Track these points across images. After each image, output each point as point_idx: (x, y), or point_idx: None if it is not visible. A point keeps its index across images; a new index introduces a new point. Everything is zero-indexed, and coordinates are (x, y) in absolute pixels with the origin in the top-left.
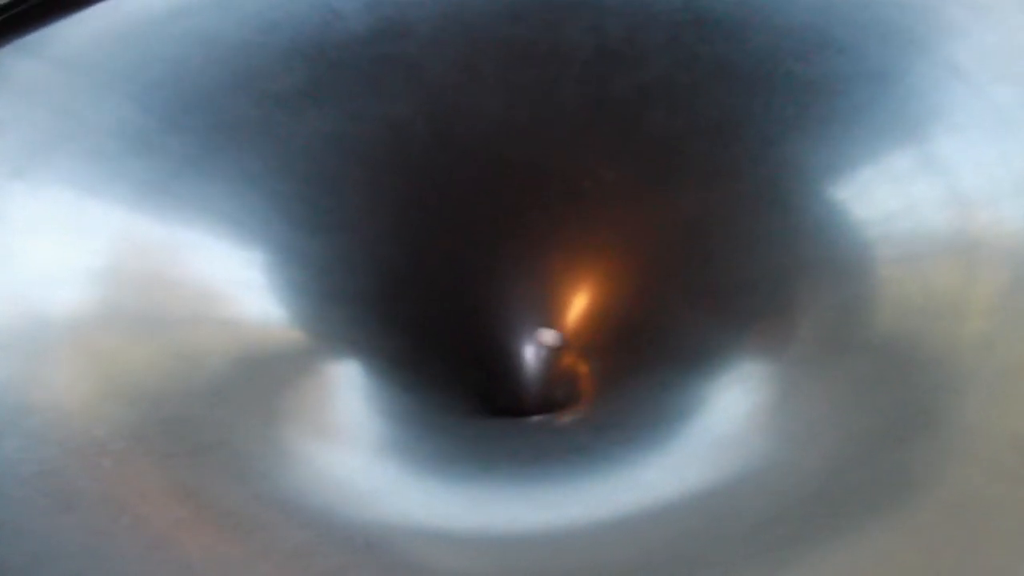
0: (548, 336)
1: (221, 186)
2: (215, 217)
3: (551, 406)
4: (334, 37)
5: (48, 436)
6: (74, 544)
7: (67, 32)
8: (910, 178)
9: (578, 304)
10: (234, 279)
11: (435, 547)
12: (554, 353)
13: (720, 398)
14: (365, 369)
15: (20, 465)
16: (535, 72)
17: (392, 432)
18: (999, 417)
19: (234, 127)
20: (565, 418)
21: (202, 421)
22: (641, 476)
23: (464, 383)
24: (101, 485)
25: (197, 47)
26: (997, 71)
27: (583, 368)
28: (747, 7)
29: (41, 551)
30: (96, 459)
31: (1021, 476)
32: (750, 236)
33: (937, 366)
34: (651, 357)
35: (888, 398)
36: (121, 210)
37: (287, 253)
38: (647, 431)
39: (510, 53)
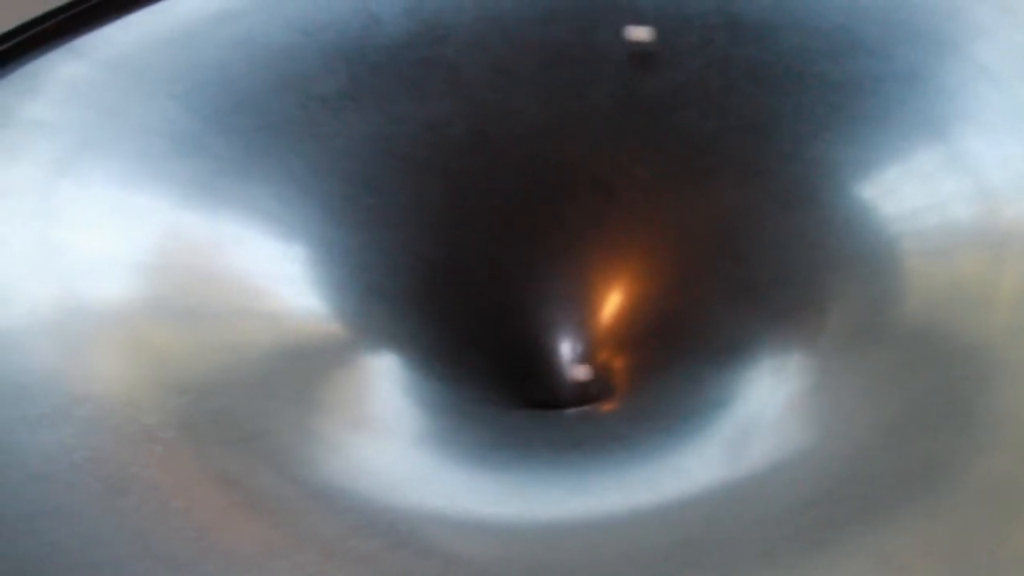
0: (636, 32)
1: (264, 185)
2: (258, 214)
3: (587, 399)
4: (374, 41)
5: (100, 424)
6: (126, 528)
7: (115, 35)
8: (938, 175)
9: (613, 300)
10: (276, 274)
11: (475, 533)
12: (590, 343)
13: (754, 389)
14: (403, 362)
15: (74, 452)
16: (570, 73)
17: (430, 422)
18: None
19: (277, 127)
20: (601, 410)
21: (246, 411)
22: (679, 463)
23: (500, 376)
24: (151, 472)
25: (241, 50)
26: (1023, 70)
27: (618, 362)
28: (779, 10)
29: (94, 534)
30: (147, 447)
31: None
32: (782, 232)
33: (966, 356)
34: (686, 351)
35: (918, 387)
36: (167, 207)
37: (328, 249)
38: (684, 421)
39: (545, 55)
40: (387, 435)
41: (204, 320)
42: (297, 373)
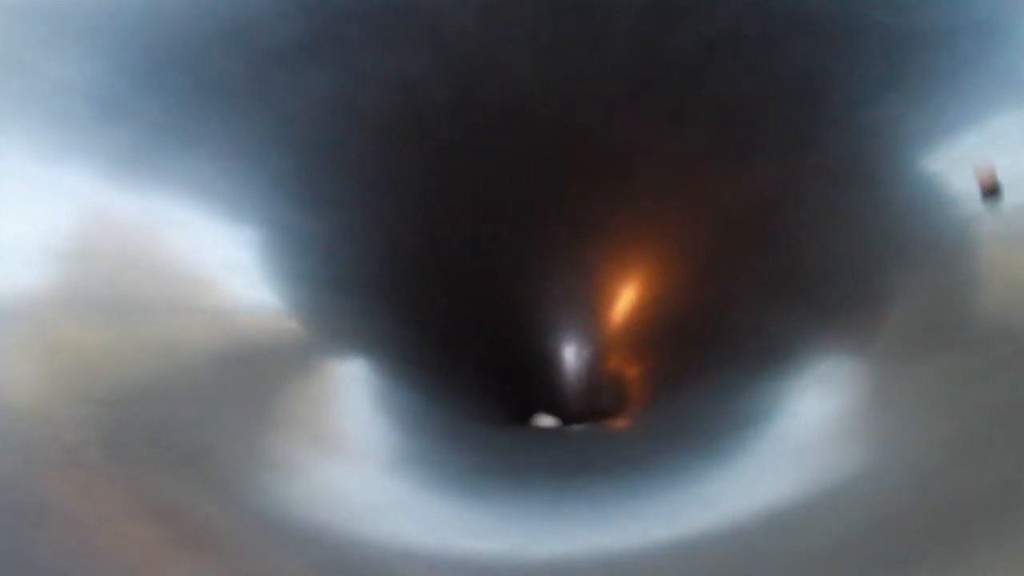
0: None
1: (206, 155)
2: (200, 191)
3: (595, 414)
4: None
5: (9, 443)
6: (42, 567)
7: None
8: (1021, 144)
9: (627, 296)
10: (222, 262)
11: (461, 574)
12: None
13: (796, 402)
14: (376, 369)
15: None
16: (575, 22)
17: (407, 442)
18: None
19: (221, 87)
20: (612, 427)
21: (186, 427)
22: (706, 491)
23: (493, 387)
24: (72, 500)
25: None
26: None
27: (632, 370)
28: None
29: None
30: (66, 470)
31: None
32: (832, 215)
33: None
34: (713, 356)
35: (994, 399)
36: (89, 182)
37: (284, 233)
38: (711, 440)
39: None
40: (356, 456)
41: (135, 316)
42: (247, 380)
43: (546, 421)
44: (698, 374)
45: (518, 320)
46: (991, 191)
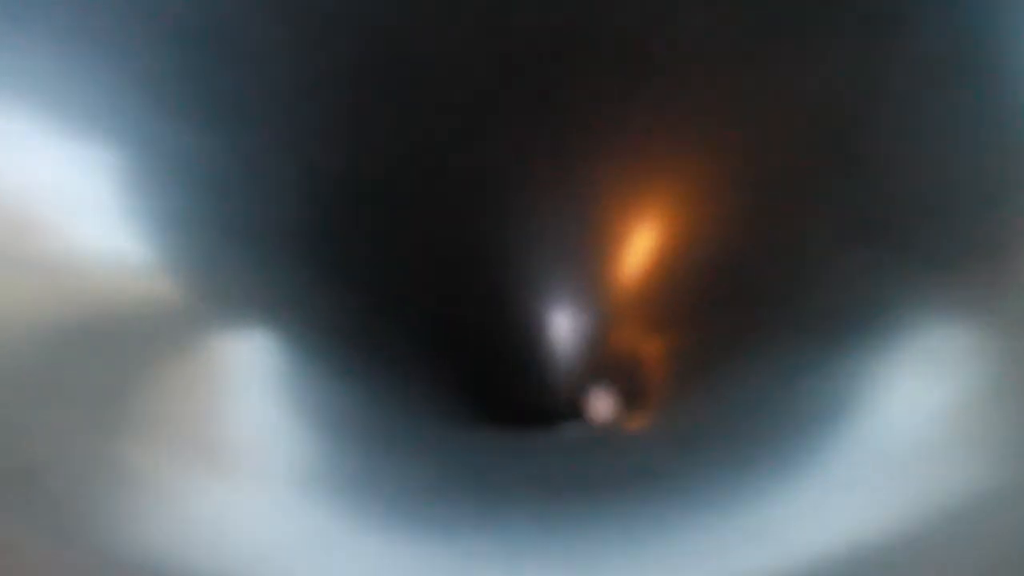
0: None
1: (39, 46)
2: (30, 95)
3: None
4: None
5: None
6: None
7: None
8: None
9: (642, 240)
10: (65, 195)
11: None
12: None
13: (887, 391)
14: (285, 348)
15: None
16: None
17: (330, 452)
18: None
19: None
20: (624, 427)
21: (10, 431)
22: (757, 520)
23: (453, 372)
24: None
25: None
26: None
27: (651, 346)
28: None
29: None
30: None
31: None
32: (939, 119)
33: None
34: (767, 325)
35: None
36: None
37: (155, 154)
38: (764, 446)
39: None
40: (256, 473)
41: None
42: (98, 365)
43: (602, 405)
44: (745, 351)
45: (488, 277)
46: None
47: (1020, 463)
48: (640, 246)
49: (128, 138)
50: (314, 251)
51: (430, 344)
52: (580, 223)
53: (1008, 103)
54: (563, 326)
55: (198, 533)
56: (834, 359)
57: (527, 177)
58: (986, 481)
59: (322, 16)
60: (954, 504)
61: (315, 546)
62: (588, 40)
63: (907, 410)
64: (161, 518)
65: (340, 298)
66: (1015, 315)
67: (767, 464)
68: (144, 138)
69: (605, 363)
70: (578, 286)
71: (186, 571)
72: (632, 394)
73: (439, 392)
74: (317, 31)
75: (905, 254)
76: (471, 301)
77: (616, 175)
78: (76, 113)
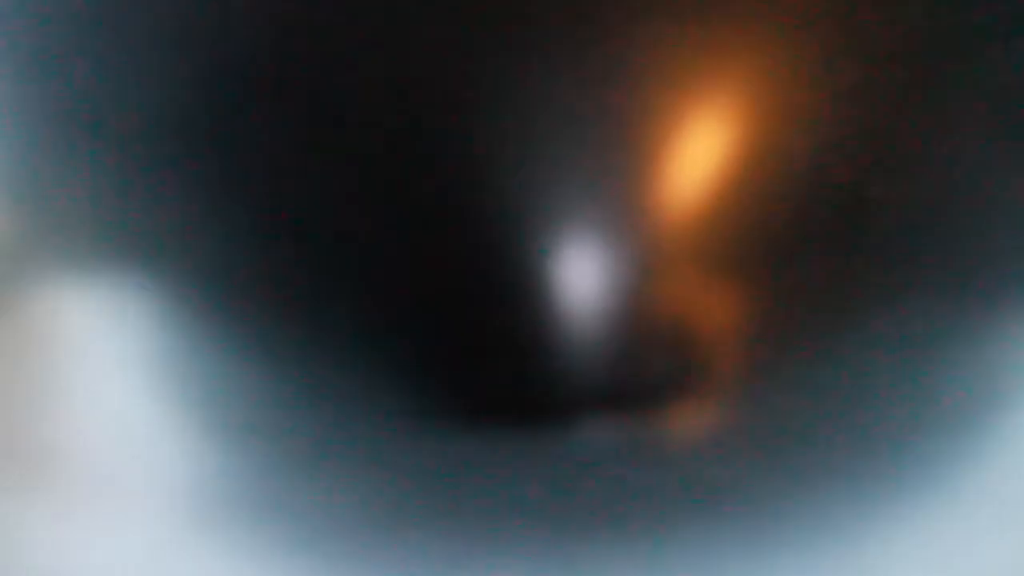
0: None
1: None
2: None
3: (631, 397)
4: None
5: None
6: None
7: None
8: None
9: (698, 150)
10: None
11: None
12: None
13: None
14: (161, 308)
15: None
16: None
17: (232, 463)
18: None
19: None
20: (669, 423)
21: None
22: (872, 564)
23: (421, 347)
24: None
25: None
26: None
27: (711, 305)
28: None
29: None
30: None
31: None
32: None
33: None
34: (882, 277)
35: None
36: None
37: None
38: (879, 456)
39: None
40: (111, 491)
41: None
42: None
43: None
44: (852, 313)
45: (470, 201)
46: None
47: None
48: (698, 153)
49: None
50: (202, 163)
51: (384, 306)
52: (607, 116)
53: None
54: (582, 274)
55: None
56: (987, 329)
57: (527, 42)
58: None
59: None
60: None
61: None
62: None
63: None
64: None
65: (246, 237)
66: None
67: (882, 484)
68: None
69: (645, 329)
70: (604, 213)
71: None
72: (683, 376)
73: (397, 376)
74: None
75: None
76: (445, 239)
77: (663, 44)
78: None
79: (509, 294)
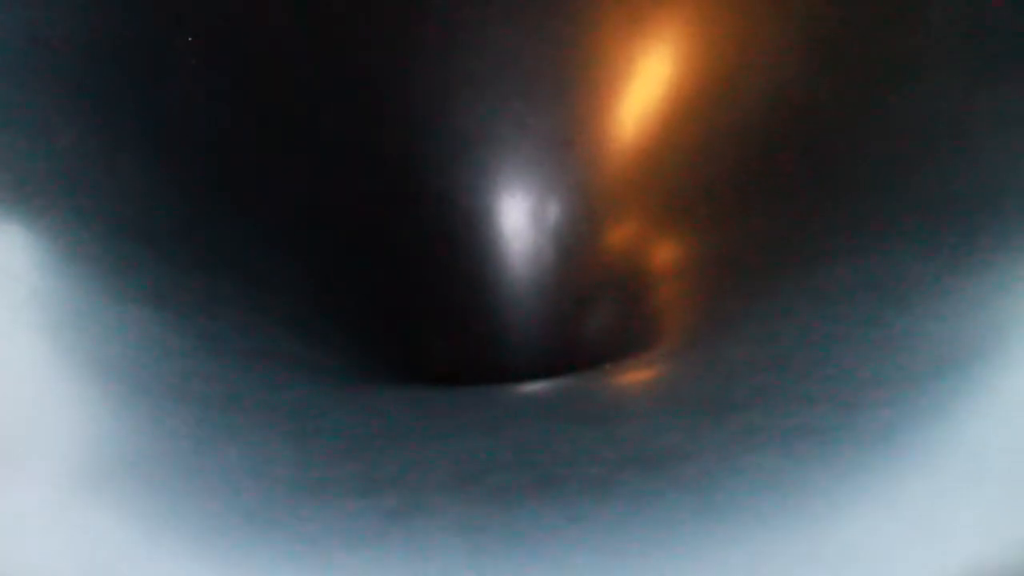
0: None
1: None
2: None
3: (584, 352)
4: None
5: None
6: None
7: None
8: None
9: (648, 86)
10: None
11: None
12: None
13: None
14: (56, 251)
15: None
16: None
17: (140, 432)
18: None
19: None
20: (623, 380)
21: None
22: (829, 534)
23: (351, 298)
24: None
25: None
26: None
27: (663, 252)
28: None
29: None
30: None
31: None
32: None
33: None
34: (845, 218)
35: None
36: None
37: None
38: (837, 415)
39: None
40: (5, 450)
41: None
42: None
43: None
44: (814, 257)
45: (415, 145)
46: None
47: None
48: (645, 92)
49: None
50: (122, 97)
51: (315, 258)
52: (557, 49)
53: None
54: (522, 226)
55: None
56: (955, 281)
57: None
58: None
59: None
60: None
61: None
62: None
63: None
64: None
65: (168, 186)
66: None
67: (840, 445)
68: None
69: (588, 282)
70: (550, 155)
71: None
72: (629, 330)
73: (326, 332)
74: None
75: None
76: (382, 180)
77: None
78: None
79: (454, 243)
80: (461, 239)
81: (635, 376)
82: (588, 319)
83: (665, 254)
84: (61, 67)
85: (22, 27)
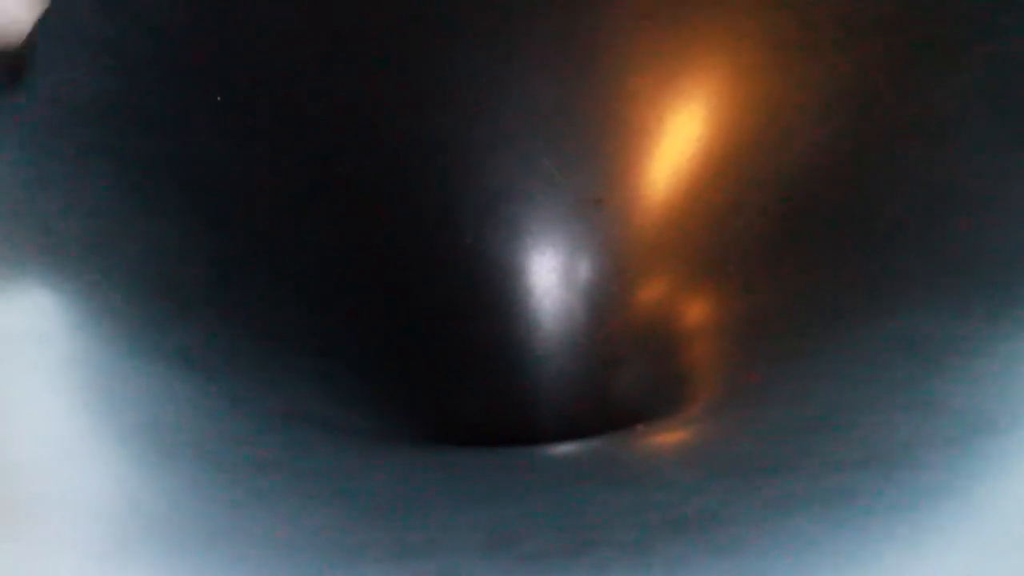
0: None
1: None
2: None
3: (611, 417)
4: None
5: None
6: None
7: None
8: None
9: (676, 143)
10: None
11: None
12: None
13: None
14: (81, 315)
15: None
16: None
17: (168, 490)
18: None
19: None
20: (654, 442)
21: None
22: None
23: (376, 356)
24: None
25: None
26: None
27: (696, 309)
28: None
29: None
30: None
31: None
32: None
33: None
34: (883, 279)
35: None
36: None
37: None
38: (869, 479)
39: None
40: (37, 512)
41: None
42: None
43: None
44: (848, 318)
45: (446, 202)
46: None
47: None
48: (678, 148)
49: None
50: (128, 150)
51: (343, 315)
52: (587, 106)
53: None
54: (555, 276)
55: None
56: (991, 340)
57: (504, 29)
58: None
59: None
60: None
61: None
62: None
63: None
64: None
65: (183, 240)
66: None
67: (877, 510)
68: None
69: (624, 336)
70: (580, 212)
71: None
72: (662, 387)
73: (354, 389)
74: None
75: None
76: (412, 238)
77: (642, 34)
78: None
79: (479, 306)
80: (491, 297)
81: (667, 438)
82: (619, 378)
83: (696, 312)
84: (88, 128)
85: (48, 89)
